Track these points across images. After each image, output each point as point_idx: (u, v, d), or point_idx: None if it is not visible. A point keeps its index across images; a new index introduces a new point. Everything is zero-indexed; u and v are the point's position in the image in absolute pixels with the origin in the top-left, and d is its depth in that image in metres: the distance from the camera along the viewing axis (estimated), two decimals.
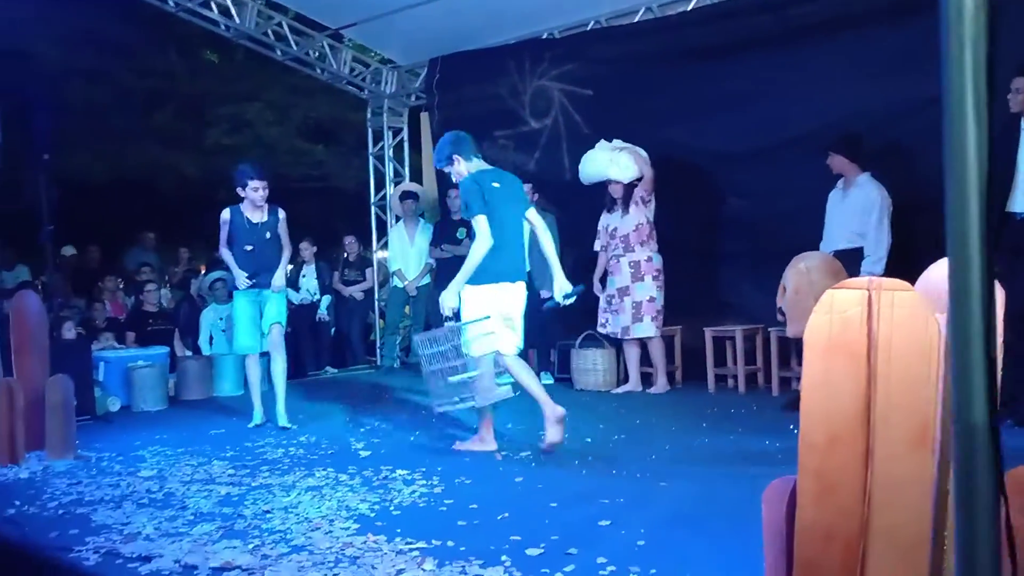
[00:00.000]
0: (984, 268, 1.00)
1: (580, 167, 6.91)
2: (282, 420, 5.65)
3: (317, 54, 9.14)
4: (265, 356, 6.11)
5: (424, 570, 2.57)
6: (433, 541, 2.87)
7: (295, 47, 8.83)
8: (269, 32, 8.65)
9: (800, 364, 5.93)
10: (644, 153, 6.69)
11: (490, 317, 4.49)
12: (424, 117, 9.36)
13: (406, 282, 8.41)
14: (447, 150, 4.72)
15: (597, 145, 6.78)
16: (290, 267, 7.34)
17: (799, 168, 6.23)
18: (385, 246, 9.52)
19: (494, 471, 4.08)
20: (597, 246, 6.86)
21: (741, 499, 3.15)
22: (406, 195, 8.75)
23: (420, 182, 9.56)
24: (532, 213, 4.80)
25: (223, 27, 8.41)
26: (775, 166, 6.50)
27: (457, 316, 4.57)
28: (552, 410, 4.40)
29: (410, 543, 2.86)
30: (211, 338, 8.13)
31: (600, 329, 6.79)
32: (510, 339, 4.62)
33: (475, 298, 4.53)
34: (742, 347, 6.42)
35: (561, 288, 4.74)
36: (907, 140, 5.90)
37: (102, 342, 7.77)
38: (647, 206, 6.57)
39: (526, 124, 8.25)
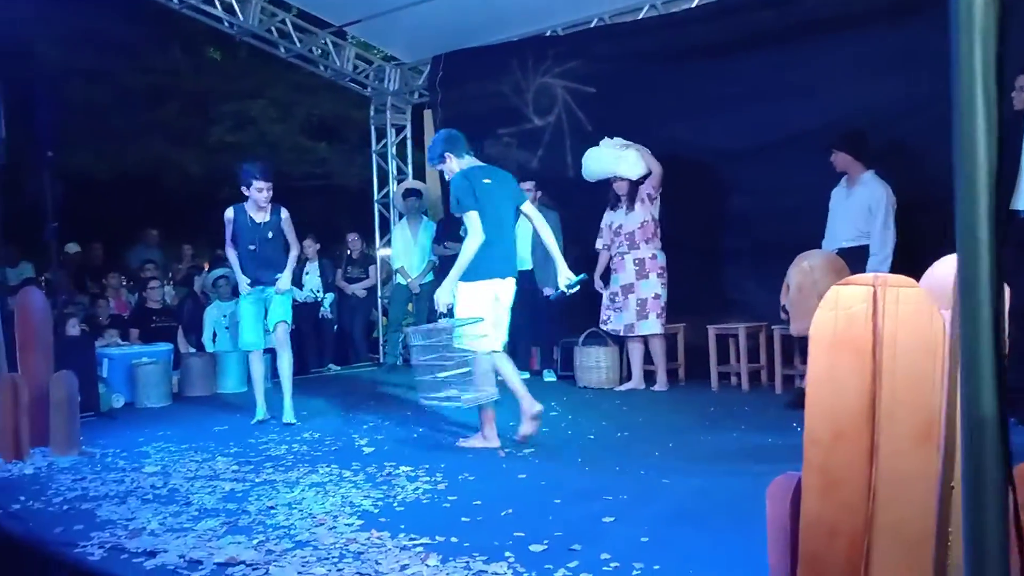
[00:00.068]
0: (993, 263, 1.00)
1: (585, 164, 6.89)
2: (288, 416, 5.67)
3: (320, 51, 9.14)
4: (268, 353, 6.13)
5: (428, 566, 2.57)
6: (437, 537, 2.87)
7: (298, 44, 8.83)
8: (272, 29, 8.65)
9: (803, 362, 5.95)
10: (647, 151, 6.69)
11: (484, 319, 4.53)
12: (427, 114, 9.36)
13: (409, 279, 8.42)
14: (439, 148, 4.77)
15: (602, 142, 6.77)
16: None
17: (802, 165, 6.22)
18: (388, 243, 9.52)
19: (497, 468, 4.08)
20: (599, 244, 6.85)
21: (744, 495, 3.16)
22: (409, 192, 8.75)
23: (423, 179, 9.56)
24: (528, 206, 4.84)
25: (227, 24, 8.42)
26: (778, 163, 6.49)
27: (451, 313, 4.61)
28: (530, 405, 4.54)
29: (414, 539, 2.86)
30: (214, 335, 8.14)
31: (602, 326, 6.79)
32: (499, 336, 4.68)
33: (469, 294, 4.56)
34: (745, 345, 6.41)
35: (565, 277, 4.77)
36: (910, 138, 5.89)
37: (106, 339, 7.78)
38: (653, 203, 6.57)
39: (529, 121, 8.25)
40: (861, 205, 5.56)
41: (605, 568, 2.50)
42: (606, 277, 6.84)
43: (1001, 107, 1.03)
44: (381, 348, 9.60)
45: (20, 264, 9.03)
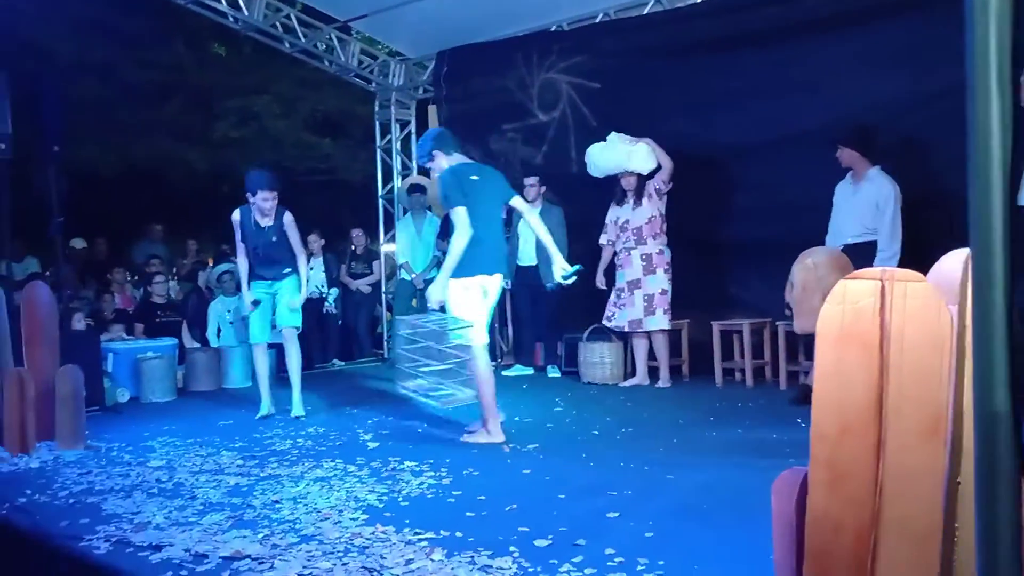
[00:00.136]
0: (1007, 257, 0.99)
1: (592, 159, 6.85)
2: (297, 410, 5.71)
3: (325, 46, 9.14)
4: (273, 348, 6.16)
5: (433, 560, 2.57)
6: (442, 532, 2.87)
7: (303, 39, 8.83)
8: (277, 24, 8.65)
9: (808, 358, 5.95)
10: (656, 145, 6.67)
11: (473, 325, 4.58)
12: (432, 110, 9.35)
13: (413, 275, 8.42)
14: (428, 145, 4.82)
15: (609, 137, 6.75)
16: None
17: (807, 161, 6.21)
18: (392, 239, 9.52)
19: (502, 463, 4.09)
20: (604, 240, 6.84)
21: (749, 491, 3.16)
22: (413, 188, 8.75)
23: (427, 175, 9.55)
24: (517, 201, 4.89)
25: (231, 19, 8.42)
26: (783, 159, 6.48)
27: (444, 310, 4.66)
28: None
29: (419, 534, 2.86)
30: (219, 330, 8.16)
31: (605, 323, 6.78)
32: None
33: (460, 291, 4.61)
34: (749, 341, 6.41)
35: (561, 268, 4.84)
36: (915, 133, 5.88)
37: (111, 333, 7.80)
38: (661, 199, 6.56)
39: (534, 117, 8.24)
40: (868, 201, 5.55)
41: (610, 563, 2.50)
42: (609, 273, 6.83)
43: (1017, 96, 1.02)
44: (385, 344, 9.61)
45: (26, 259, 9.05)
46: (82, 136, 11.16)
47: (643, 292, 6.51)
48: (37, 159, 6.68)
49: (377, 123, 9.99)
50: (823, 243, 5.64)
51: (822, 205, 5.85)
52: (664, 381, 6.57)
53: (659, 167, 6.55)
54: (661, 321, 6.49)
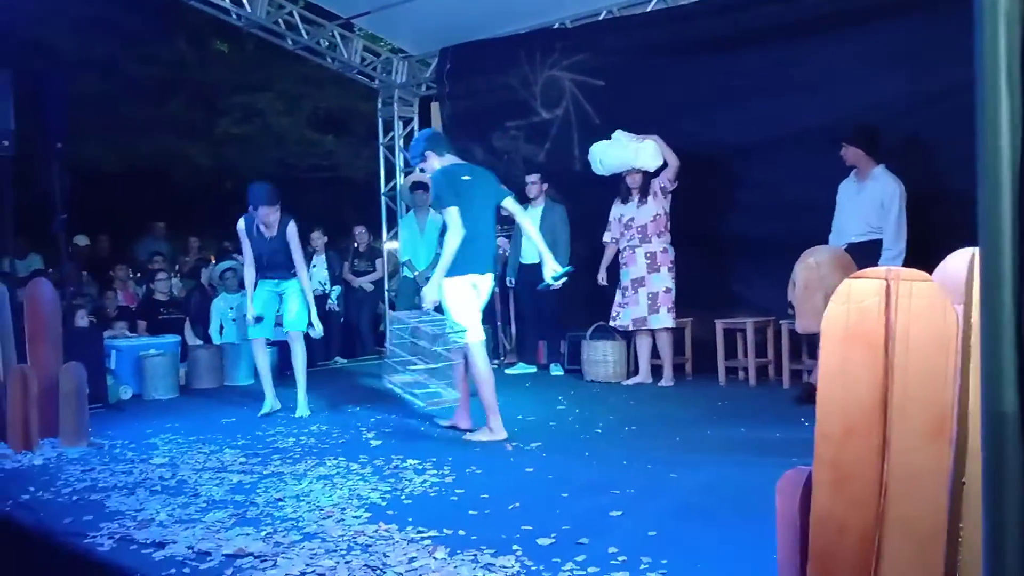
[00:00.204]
0: (1016, 256, 0.99)
1: (598, 157, 6.82)
2: (301, 410, 5.71)
3: (328, 43, 9.14)
4: (275, 346, 6.17)
5: (436, 558, 2.57)
6: (445, 530, 2.87)
7: (306, 36, 8.82)
8: (280, 21, 8.65)
9: (812, 357, 5.94)
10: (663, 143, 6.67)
11: (468, 329, 4.64)
12: (435, 107, 9.35)
13: (416, 272, 8.41)
14: (421, 146, 4.88)
15: (614, 135, 6.73)
16: None
17: (811, 160, 6.20)
18: (395, 236, 9.52)
19: (505, 461, 4.09)
20: (607, 237, 6.83)
21: (752, 490, 3.15)
22: (416, 185, 8.73)
23: None
24: (509, 201, 4.93)
25: (234, 16, 8.42)
26: (787, 158, 6.47)
27: (439, 310, 4.71)
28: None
29: (422, 532, 2.86)
30: (221, 327, 8.16)
31: (612, 323, 6.77)
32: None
33: (454, 290, 4.65)
34: (753, 339, 6.40)
35: (552, 269, 4.90)
36: (919, 132, 5.88)
37: (114, 330, 7.80)
38: (666, 197, 6.56)
39: (537, 114, 8.23)
40: (873, 200, 5.54)
41: (612, 562, 2.50)
42: (612, 270, 6.82)
43: None
44: (387, 341, 9.60)
45: (29, 256, 9.05)
46: (85, 133, 11.17)
47: (647, 290, 6.50)
48: (40, 156, 6.69)
49: (380, 120, 9.98)
50: (826, 242, 5.63)
51: (825, 204, 5.85)
52: (667, 379, 6.56)
53: (664, 165, 6.55)
54: (665, 319, 6.49)
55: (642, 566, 2.45)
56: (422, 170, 5.04)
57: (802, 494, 1.76)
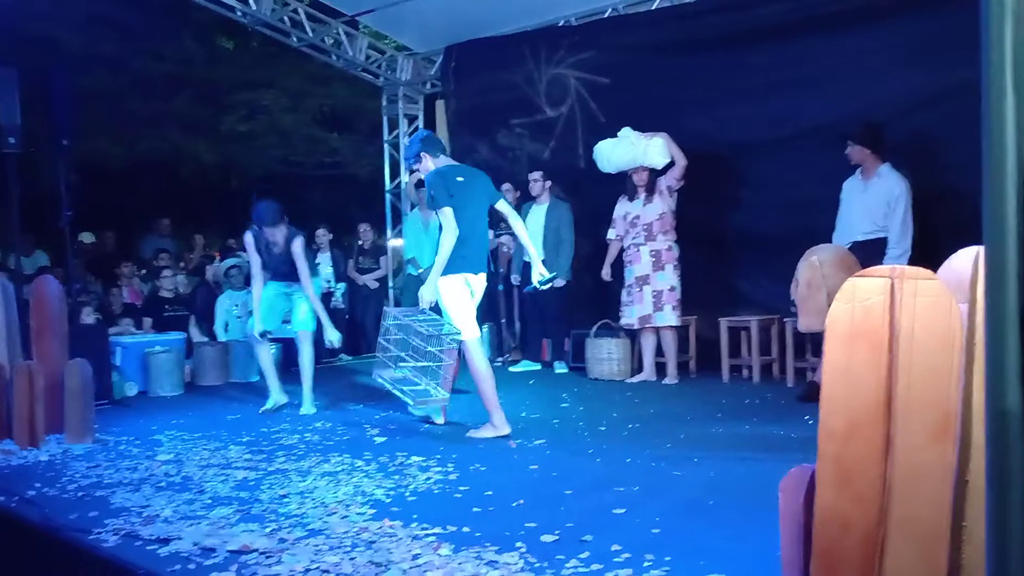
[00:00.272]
0: (1020, 255, 0.99)
1: (604, 154, 6.79)
2: (306, 407, 5.73)
3: (333, 41, 9.14)
4: (279, 343, 6.19)
5: (440, 555, 2.58)
6: (448, 527, 2.88)
7: (311, 34, 8.83)
8: (285, 19, 8.66)
9: (816, 355, 5.93)
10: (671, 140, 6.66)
11: (462, 333, 4.68)
12: (440, 105, 9.34)
13: (420, 270, 8.41)
14: (416, 147, 4.95)
15: (621, 133, 6.72)
16: None
17: (816, 158, 6.20)
18: (400, 234, 9.52)
19: (509, 459, 4.09)
20: (612, 234, 6.82)
21: (756, 488, 3.16)
22: (421, 183, 8.72)
23: None
24: (502, 204, 4.99)
25: (239, 13, 8.42)
26: (792, 156, 6.46)
27: (436, 309, 4.76)
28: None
29: (426, 528, 2.87)
30: (226, 324, 8.17)
31: (622, 322, 6.75)
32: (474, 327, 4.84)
33: (449, 288, 4.70)
34: (757, 337, 6.39)
35: (539, 274, 5.00)
36: (927, 130, 5.86)
37: (120, 327, 7.82)
38: (672, 196, 6.55)
39: (542, 112, 8.23)
40: (879, 198, 5.53)
41: (616, 559, 2.50)
42: (617, 267, 6.82)
43: None
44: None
45: (35, 253, 9.08)
46: (91, 130, 11.19)
47: (652, 288, 6.50)
48: (46, 153, 6.71)
49: (385, 118, 9.98)
50: (831, 240, 5.62)
51: (830, 202, 5.83)
52: (671, 377, 6.56)
53: (671, 163, 6.54)
54: (670, 317, 6.49)
55: (645, 563, 2.45)
56: (417, 171, 5.10)
57: (806, 492, 1.77)
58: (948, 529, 1.63)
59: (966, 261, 1.71)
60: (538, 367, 7.66)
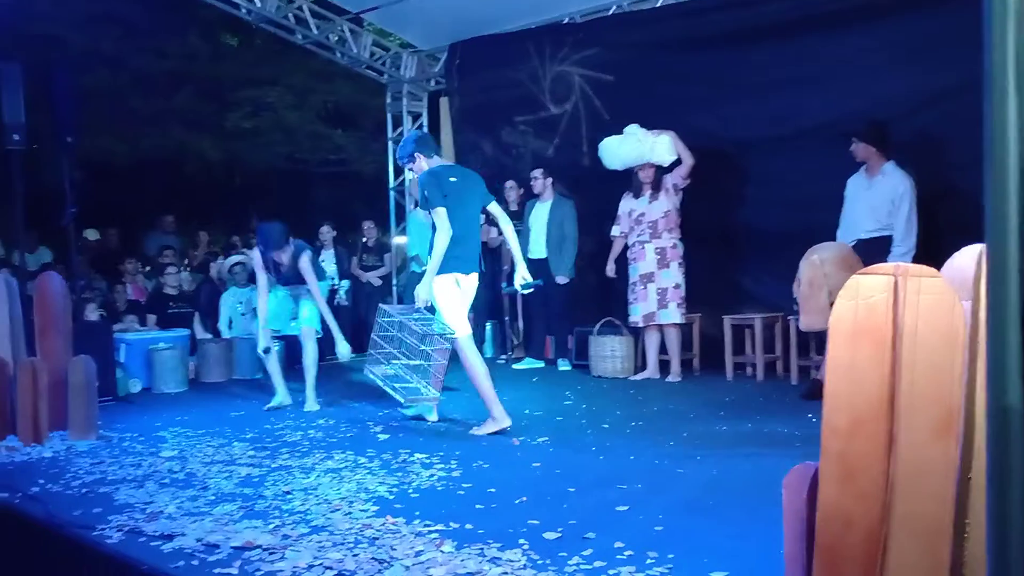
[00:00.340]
0: (1022, 253, 0.98)
1: (611, 151, 6.78)
2: (310, 404, 5.75)
3: (337, 38, 9.14)
4: (283, 341, 6.20)
5: (442, 552, 2.58)
6: (451, 524, 2.88)
7: (315, 31, 8.83)
8: (289, 16, 8.66)
9: (819, 353, 5.92)
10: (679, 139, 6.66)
11: (456, 332, 4.72)
12: (444, 102, 9.34)
13: (424, 267, 8.41)
14: (410, 147, 4.99)
15: (627, 130, 6.70)
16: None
17: (820, 156, 6.18)
18: (404, 231, 9.52)
19: (512, 456, 4.09)
20: (616, 231, 6.81)
21: (759, 485, 3.16)
22: None
23: None
24: (494, 206, 5.04)
25: (244, 10, 8.43)
26: (796, 153, 6.45)
27: (431, 309, 4.80)
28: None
29: (429, 525, 2.87)
30: (230, 321, 8.18)
31: (629, 320, 6.75)
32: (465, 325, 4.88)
33: (441, 287, 4.74)
34: (761, 335, 6.38)
35: (521, 277, 5.05)
36: (930, 128, 5.85)
37: (124, 324, 7.83)
38: (677, 194, 6.55)
39: (546, 109, 8.22)
40: (883, 196, 5.52)
41: (619, 557, 2.50)
42: (620, 264, 6.81)
43: None
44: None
45: (39, 249, 9.09)
46: (95, 127, 11.20)
47: (656, 286, 6.49)
48: (50, 150, 6.71)
49: (389, 115, 9.98)
50: (835, 238, 5.61)
51: (835, 199, 5.82)
52: (675, 375, 6.55)
53: (678, 161, 6.54)
54: (674, 315, 6.48)
55: (648, 560, 2.45)
56: (411, 171, 5.13)
57: (809, 489, 1.77)
58: (951, 526, 1.62)
59: (969, 259, 1.70)
60: (541, 365, 7.66)
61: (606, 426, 4.81)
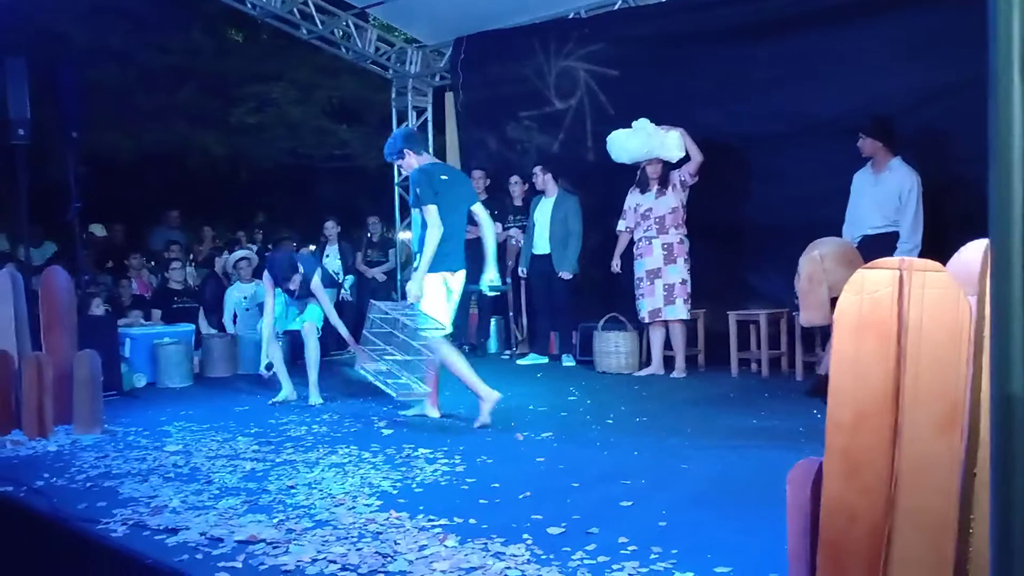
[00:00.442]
0: None
1: (620, 145, 6.74)
2: (314, 398, 5.78)
3: (342, 33, 9.14)
4: (287, 335, 6.23)
5: (446, 547, 2.58)
6: (455, 518, 2.88)
7: (320, 26, 8.83)
8: (295, 11, 8.66)
9: (824, 349, 5.91)
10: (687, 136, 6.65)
11: (445, 328, 4.77)
12: (449, 97, 9.34)
13: None
14: (399, 144, 4.99)
15: (636, 124, 6.68)
16: (312, 247, 7.36)
17: (826, 151, 6.18)
18: (408, 227, 9.52)
19: (516, 451, 4.09)
20: (621, 226, 6.80)
21: (764, 481, 3.15)
22: None
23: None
24: (478, 207, 5.05)
25: (249, 5, 8.43)
26: (802, 149, 6.44)
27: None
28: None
29: (432, 520, 2.87)
30: (235, 316, 8.19)
31: (639, 316, 6.74)
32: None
33: (434, 285, 4.78)
34: (766, 331, 6.38)
35: (489, 279, 5.06)
36: (936, 123, 5.83)
37: (129, 319, 7.85)
38: (684, 190, 6.54)
39: (551, 105, 8.21)
40: (890, 192, 5.50)
41: (623, 552, 2.50)
42: (625, 260, 6.80)
43: None
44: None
45: (44, 244, 9.11)
46: (100, 122, 11.20)
47: (663, 281, 6.48)
48: (55, 145, 6.72)
49: (394, 110, 9.97)
50: (840, 233, 5.60)
51: (840, 195, 5.81)
52: (680, 371, 6.55)
53: (687, 157, 6.53)
54: (680, 311, 6.48)
55: (652, 555, 2.45)
56: (400, 167, 5.15)
57: (813, 484, 1.76)
58: (955, 520, 1.62)
59: (975, 253, 1.70)
60: (546, 360, 7.66)
61: (610, 421, 4.81)
